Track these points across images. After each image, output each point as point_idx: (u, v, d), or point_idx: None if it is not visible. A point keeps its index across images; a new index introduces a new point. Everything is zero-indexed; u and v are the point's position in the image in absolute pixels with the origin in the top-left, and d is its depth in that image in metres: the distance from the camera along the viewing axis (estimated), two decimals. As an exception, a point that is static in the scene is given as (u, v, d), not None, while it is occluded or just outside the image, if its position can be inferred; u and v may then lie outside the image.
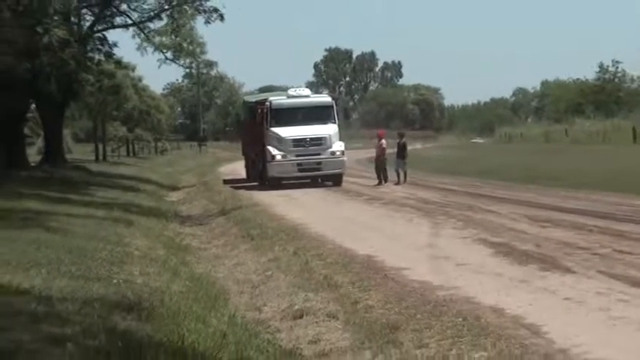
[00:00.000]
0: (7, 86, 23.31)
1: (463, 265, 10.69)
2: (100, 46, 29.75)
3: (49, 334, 6.10)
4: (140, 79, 50.92)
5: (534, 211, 16.82)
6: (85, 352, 5.63)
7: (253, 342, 7.17)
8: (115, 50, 30.74)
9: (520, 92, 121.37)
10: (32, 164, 30.97)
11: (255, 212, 18.89)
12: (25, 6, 19.86)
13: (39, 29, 20.90)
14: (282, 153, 26.81)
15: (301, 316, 8.41)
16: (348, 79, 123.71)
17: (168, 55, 34.42)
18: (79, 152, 49.79)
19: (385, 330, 7.34)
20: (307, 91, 31.42)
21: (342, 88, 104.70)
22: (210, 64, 46.41)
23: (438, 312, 7.87)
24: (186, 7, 30.48)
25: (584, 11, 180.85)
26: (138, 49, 34.70)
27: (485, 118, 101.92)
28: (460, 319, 7.45)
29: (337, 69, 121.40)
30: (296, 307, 8.73)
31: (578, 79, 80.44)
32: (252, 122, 30.23)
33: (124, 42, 40.29)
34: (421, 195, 22.65)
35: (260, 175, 28.63)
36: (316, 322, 8.18)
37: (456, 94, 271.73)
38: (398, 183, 26.45)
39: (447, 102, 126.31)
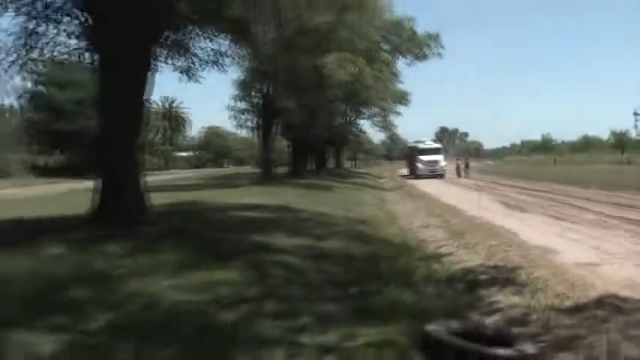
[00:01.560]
0: (321, 141, 55.37)
1: (488, 209, 22.00)
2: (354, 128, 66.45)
3: (330, 230, 14.67)
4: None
5: (522, 189, 33.71)
6: (346, 238, 14.00)
7: (408, 235, 16.15)
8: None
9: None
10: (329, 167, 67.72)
11: (411, 187, 40.38)
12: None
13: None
14: (422, 166, 58.90)
15: (426, 227, 17.41)
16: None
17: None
18: (346, 164, 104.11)
19: (460, 233, 15.50)
20: (432, 142, 66.42)
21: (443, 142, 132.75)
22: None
23: (479, 226, 17.31)
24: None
25: None
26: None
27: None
28: (489, 229, 16.71)
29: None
30: (424, 224, 18.44)
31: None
32: (411, 153, 65.69)
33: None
34: (476, 183, 43.58)
35: (413, 174, 59.88)
36: (432, 229, 16.84)
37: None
38: (462, 177, 55.62)
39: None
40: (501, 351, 5.40)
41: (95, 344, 5.54)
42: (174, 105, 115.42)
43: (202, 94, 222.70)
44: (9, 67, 14.24)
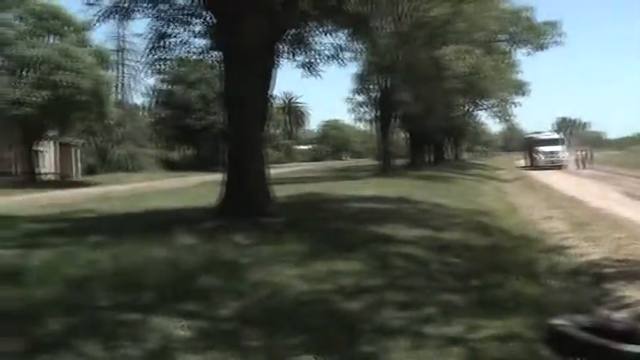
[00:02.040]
0: (439, 133, 57.12)
1: (612, 201, 21.10)
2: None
3: (449, 221, 14.98)
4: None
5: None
6: (466, 230, 13.78)
7: (528, 226, 15.52)
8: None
9: None
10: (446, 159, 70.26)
11: (530, 178, 39.22)
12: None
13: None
14: (541, 157, 57.81)
15: (547, 219, 16.80)
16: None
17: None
18: (464, 156, 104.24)
19: (582, 225, 15.19)
20: (551, 133, 66.68)
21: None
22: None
23: (603, 218, 16.70)
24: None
25: None
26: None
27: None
28: (613, 221, 16.00)
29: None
30: (545, 215, 17.89)
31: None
32: (530, 144, 64.32)
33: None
34: (598, 173, 41.61)
35: (532, 165, 59.02)
36: (553, 221, 16.31)
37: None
38: (583, 168, 52.47)
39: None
40: (631, 348, 5.14)
41: (226, 330, 5.69)
42: (294, 99, 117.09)
43: (320, 88, 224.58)
44: (143, 68, 14.92)
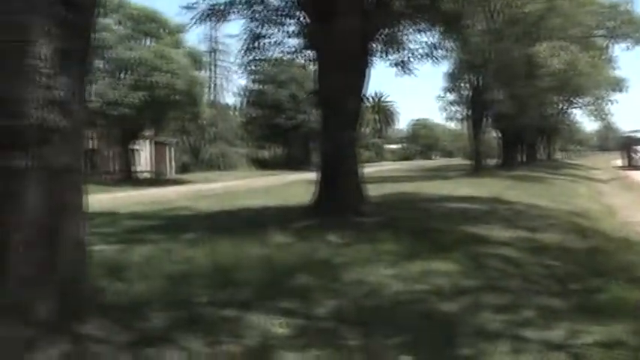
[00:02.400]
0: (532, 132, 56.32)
1: None
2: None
3: (545, 222, 15.61)
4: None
5: None
6: (563, 231, 13.93)
7: (628, 228, 15.08)
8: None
9: None
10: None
11: (627, 179, 37.01)
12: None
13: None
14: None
15: None
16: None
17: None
18: (557, 155, 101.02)
19: None
20: None
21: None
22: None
23: None
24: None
25: None
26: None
27: None
28: None
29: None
30: None
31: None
32: (627, 143, 63.30)
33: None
34: None
35: (629, 165, 55.92)
36: None
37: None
38: None
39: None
40: None
41: (323, 328, 5.71)
42: (383, 98, 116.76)
43: (410, 86, 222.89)
44: (235, 69, 15.23)
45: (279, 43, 15.02)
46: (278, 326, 5.59)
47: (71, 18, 4.89)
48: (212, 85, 71.02)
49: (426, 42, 16.40)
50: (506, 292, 7.31)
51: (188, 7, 14.44)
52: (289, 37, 14.90)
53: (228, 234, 10.69)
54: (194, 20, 14.47)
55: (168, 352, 4.86)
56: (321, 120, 12.95)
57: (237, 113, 77.72)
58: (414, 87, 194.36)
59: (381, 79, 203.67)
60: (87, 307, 5.08)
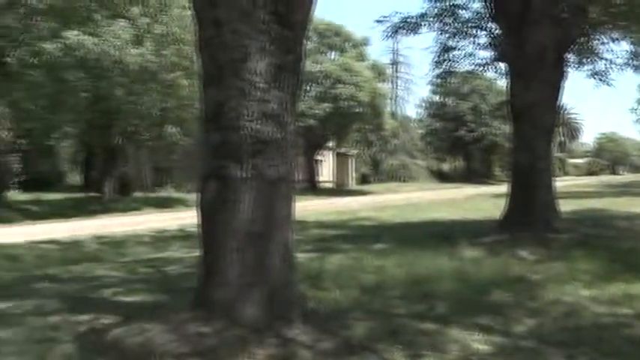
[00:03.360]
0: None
1: None
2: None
3: None
4: None
5: None
6: None
7: None
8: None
9: None
10: None
11: None
12: None
13: None
14: None
15: None
16: None
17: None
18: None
19: None
20: None
21: None
22: None
23: None
24: None
25: None
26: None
27: None
28: None
29: None
30: None
31: None
32: None
33: None
34: None
35: None
36: None
37: None
38: None
39: None
40: None
41: (524, 347, 5.52)
42: (567, 111, 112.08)
43: (595, 99, 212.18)
44: (421, 81, 15.28)
45: (469, 56, 14.84)
46: (477, 342, 5.48)
47: (285, 34, 5.10)
48: (394, 97, 71.48)
49: (627, 50, 15.51)
50: None
51: (380, 21, 14.63)
52: (480, 49, 14.68)
53: (415, 246, 10.68)
54: (386, 33, 14.62)
55: (371, 363, 4.91)
56: (514, 133, 12.61)
57: (417, 125, 77.67)
58: (601, 99, 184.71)
59: (566, 91, 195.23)
60: (293, 312, 5.25)
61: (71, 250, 14.13)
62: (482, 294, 7.21)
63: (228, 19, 5.00)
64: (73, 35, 23.63)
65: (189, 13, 27.00)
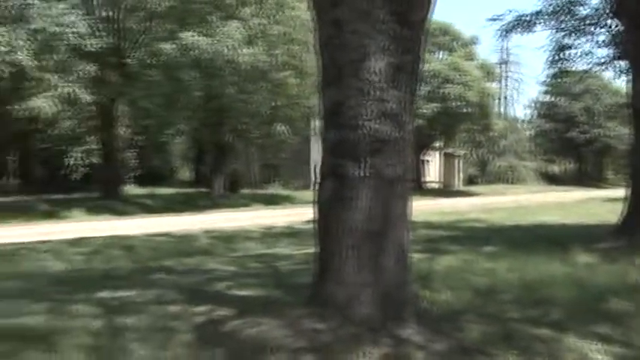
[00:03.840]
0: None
1: None
2: None
3: None
4: None
5: None
6: None
7: None
8: None
9: None
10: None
11: None
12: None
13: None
14: None
15: None
16: None
17: None
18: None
19: None
20: None
21: None
22: None
23: None
24: None
25: None
26: None
27: None
28: None
29: None
30: None
31: None
32: None
33: None
34: None
35: None
36: None
37: None
38: None
39: None
40: None
41: (646, 360, 5.30)
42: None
43: None
44: (530, 80, 14.91)
45: (586, 54, 14.35)
46: (597, 352, 5.29)
47: (404, 34, 5.08)
48: (502, 97, 70.06)
49: None
50: None
51: (494, 19, 14.38)
52: (598, 47, 14.16)
53: (526, 249, 10.45)
54: (498, 33, 14.35)
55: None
56: (634, 134, 12.07)
57: (526, 126, 75.84)
58: None
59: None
60: (407, 312, 5.23)
61: (183, 244, 14.61)
62: (599, 302, 6.94)
63: (348, 19, 5.03)
64: (188, 36, 24.37)
65: (299, 14, 27.46)
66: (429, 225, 15.50)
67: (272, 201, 33.67)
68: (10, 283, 8.15)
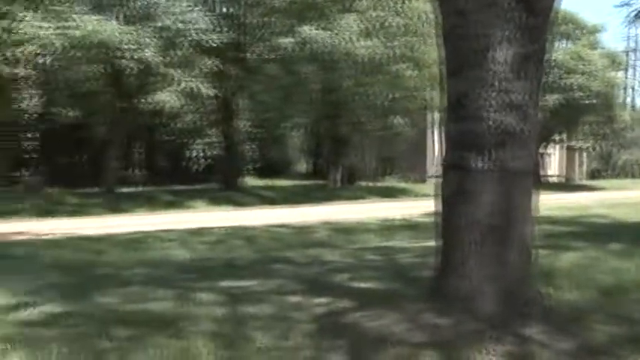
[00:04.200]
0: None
1: None
2: None
3: None
4: None
5: None
6: None
7: None
8: None
9: None
10: None
11: None
12: None
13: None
14: None
15: None
16: None
17: None
18: None
19: None
20: None
21: None
22: None
23: None
24: None
25: None
26: None
27: None
28: None
29: None
30: None
31: None
32: None
33: None
34: None
35: None
36: None
37: None
38: None
39: None
40: None
41: None
42: None
43: None
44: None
45: None
46: None
47: (530, 23, 4.92)
48: (629, 87, 66.86)
49: None
50: None
51: (622, 5, 13.73)
52: None
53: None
54: (627, 19, 13.69)
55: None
56: None
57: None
58: None
59: None
60: (530, 309, 5.07)
61: (302, 235, 14.80)
62: None
63: (473, 8, 4.91)
64: (307, 30, 24.63)
65: (417, 5, 27.23)
66: (549, 220, 14.95)
67: (388, 193, 33.54)
68: (136, 270, 8.47)
